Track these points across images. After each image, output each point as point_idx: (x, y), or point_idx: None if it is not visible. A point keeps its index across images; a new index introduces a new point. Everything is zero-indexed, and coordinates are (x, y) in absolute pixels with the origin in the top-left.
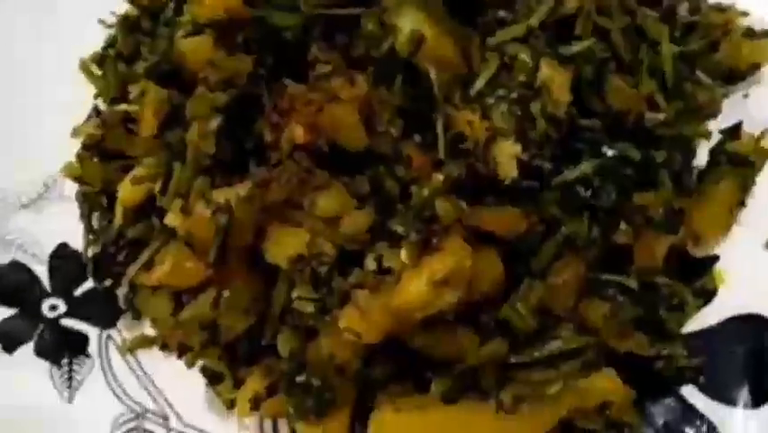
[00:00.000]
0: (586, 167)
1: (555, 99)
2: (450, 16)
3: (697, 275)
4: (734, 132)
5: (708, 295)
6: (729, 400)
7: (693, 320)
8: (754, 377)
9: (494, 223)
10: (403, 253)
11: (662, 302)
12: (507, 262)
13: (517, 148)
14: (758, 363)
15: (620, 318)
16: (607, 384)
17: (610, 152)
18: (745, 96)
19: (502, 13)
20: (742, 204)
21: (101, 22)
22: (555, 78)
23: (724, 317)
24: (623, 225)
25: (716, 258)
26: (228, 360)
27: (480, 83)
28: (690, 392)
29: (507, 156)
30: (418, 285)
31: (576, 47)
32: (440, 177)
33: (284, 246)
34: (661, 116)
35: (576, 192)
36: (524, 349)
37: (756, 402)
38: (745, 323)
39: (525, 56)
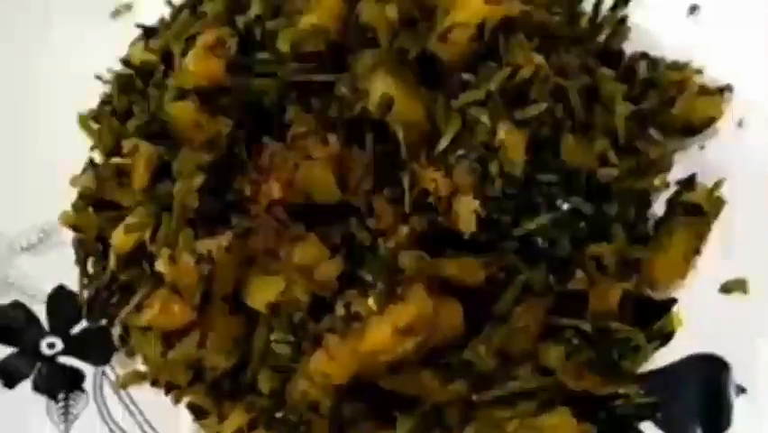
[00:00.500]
0: (542, 219)
1: (511, 159)
2: (417, 80)
3: (655, 318)
4: (689, 183)
5: (665, 337)
6: None
7: (652, 360)
8: (708, 413)
9: (455, 273)
10: (370, 301)
11: (617, 345)
12: (470, 307)
13: (476, 204)
14: (712, 400)
15: (575, 360)
16: (561, 422)
17: (565, 206)
18: (701, 147)
19: (466, 77)
20: (697, 251)
21: (98, 78)
22: (511, 140)
23: (681, 358)
24: (578, 274)
25: (673, 301)
26: (213, 396)
27: (443, 143)
28: (649, 428)
29: (466, 211)
30: (383, 332)
31: (531, 111)
32: (405, 230)
33: (262, 293)
34: (613, 172)
35: (534, 243)
36: (484, 389)
37: None
38: (701, 363)
39: (484, 118)
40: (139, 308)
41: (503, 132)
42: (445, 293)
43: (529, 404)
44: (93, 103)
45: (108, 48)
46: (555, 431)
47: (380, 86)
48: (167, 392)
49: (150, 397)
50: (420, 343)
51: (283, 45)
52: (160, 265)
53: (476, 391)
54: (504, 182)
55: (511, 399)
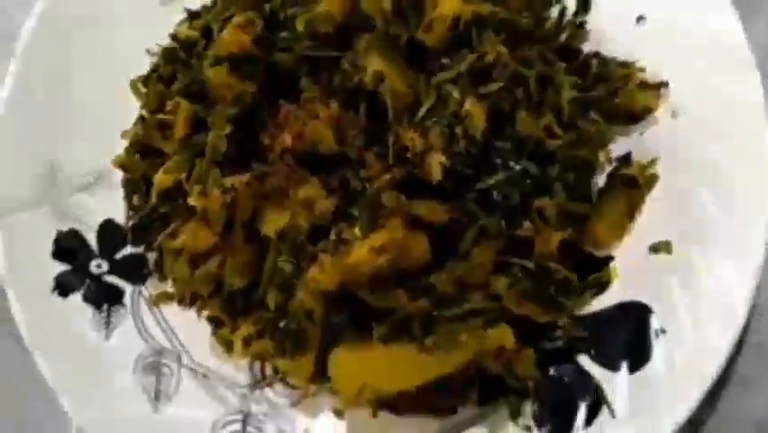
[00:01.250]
0: (498, 177)
1: (474, 125)
2: (405, 60)
3: (595, 270)
4: (626, 159)
5: (603, 286)
6: (613, 367)
7: (591, 305)
8: (633, 350)
9: (424, 212)
10: (356, 230)
11: (556, 284)
12: (437, 243)
13: (444, 158)
14: (636, 338)
15: (517, 289)
16: (501, 335)
17: (517, 167)
18: (641, 133)
19: (443, 60)
20: (632, 217)
21: (147, 51)
22: (474, 110)
23: (613, 303)
24: (526, 223)
25: (611, 258)
26: (228, 311)
27: (421, 111)
28: (584, 360)
29: (436, 164)
30: (363, 250)
31: (491, 87)
32: (387, 177)
33: (273, 222)
34: (557, 142)
35: (491, 195)
36: (444, 307)
37: (633, 369)
38: (629, 308)
39: (455, 93)
40: (173, 234)
41: (468, 103)
42: (416, 228)
43: (479, 321)
44: (142, 71)
45: (158, 27)
46: (497, 341)
47: (375, 63)
48: (191, 305)
49: (176, 313)
50: (391, 261)
51: (299, 26)
52: (193, 199)
53: (437, 309)
54: (467, 143)
55: (465, 317)
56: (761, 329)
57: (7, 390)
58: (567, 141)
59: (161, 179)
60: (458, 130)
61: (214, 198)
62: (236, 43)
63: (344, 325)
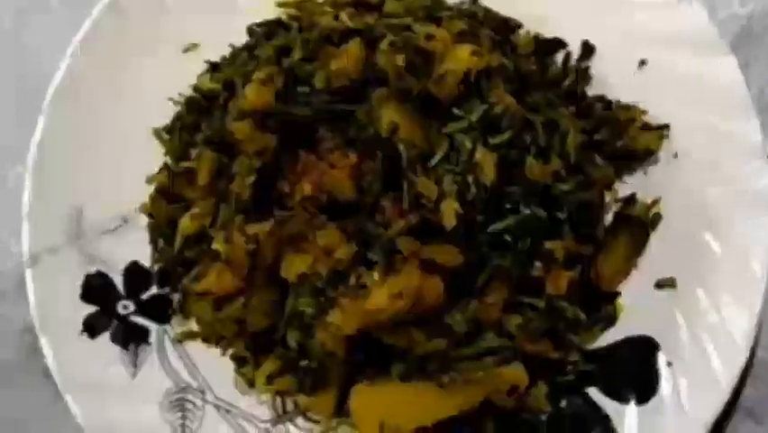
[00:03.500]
0: (509, 221)
1: (485, 173)
2: (417, 111)
3: (603, 305)
4: (631, 200)
5: (610, 321)
6: (622, 399)
7: (600, 340)
8: (640, 382)
9: (439, 256)
10: (374, 274)
11: (565, 322)
12: (451, 285)
13: (457, 205)
14: (644, 371)
15: (530, 328)
16: (514, 373)
17: (527, 211)
18: (645, 173)
19: (455, 110)
20: (637, 254)
21: (171, 100)
22: (485, 159)
23: (621, 338)
24: (536, 263)
25: (617, 294)
26: (251, 349)
27: (434, 159)
28: (594, 393)
29: (449, 210)
30: (382, 295)
31: (501, 137)
32: (403, 223)
33: (294, 266)
34: (565, 186)
35: (503, 238)
36: (459, 346)
37: (641, 401)
38: (637, 343)
39: (466, 142)
40: (198, 278)
41: (479, 153)
42: (432, 272)
43: (493, 359)
44: (165, 116)
45: (180, 74)
46: (510, 378)
47: (389, 114)
48: (216, 344)
49: (201, 351)
50: (409, 305)
51: (318, 82)
52: (217, 244)
53: (452, 348)
54: (478, 190)
55: (479, 355)
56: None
57: (39, 427)
58: (574, 185)
59: (186, 224)
60: (470, 178)
61: (237, 244)
62: (259, 100)
63: (364, 363)
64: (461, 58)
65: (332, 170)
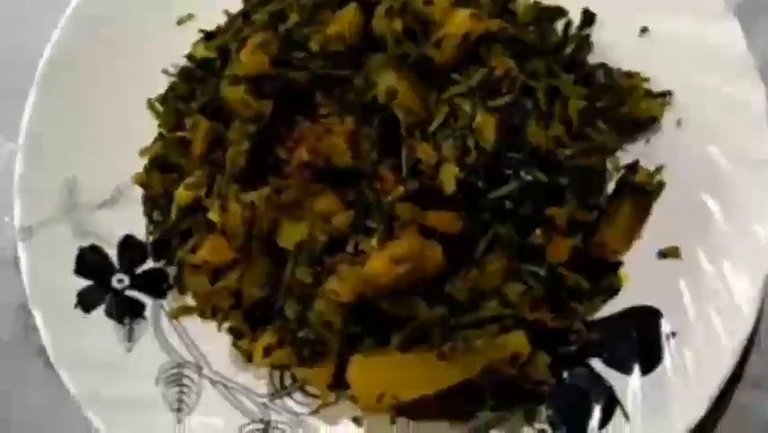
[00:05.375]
0: (510, 186)
1: (485, 137)
2: (416, 76)
3: (606, 275)
4: (634, 167)
5: (613, 291)
6: (625, 370)
7: (603, 311)
8: (644, 353)
9: (438, 222)
10: (373, 241)
11: (567, 290)
12: (451, 252)
13: (457, 170)
14: (648, 341)
15: (531, 295)
16: (516, 340)
17: (528, 177)
18: (647, 141)
19: (454, 75)
20: (640, 223)
21: (164, 71)
22: (485, 123)
23: (624, 308)
24: (537, 231)
25: (620, 263)
26: (248, 322)
27: (434, 125)
28: (597, 364)
29: (449, 176)
30: (381, 261)
31: (500, 101)
32: (401, 189)
33: (291, 235)
34: (566, 152)
35: (503, 204)
36: (459, 314)
37: (645, 372)
38: (640, 312)
39: (465, 106)
40: (193, 249)
41: (479, 116)
42: (431, 238)
43: (494, 327)
44: (158, 89)
45: (174, 47)
46: (512, 347)
47: (387, 80)
48: (212, 317)
49: (196, 325)
50: (408, 271)
51: (314, 46)
52: (212, 214)
53: (453, 316)
54: (478, 155)
55: (480, 323)
56: None
57: (35, 406)
58: (576, 150)
59: (181, 195)
60: (470, 142)
61: (233, 213)
62: (254, 64)
63: (362, 333)
64: (460, 22)
65: (329, 135)
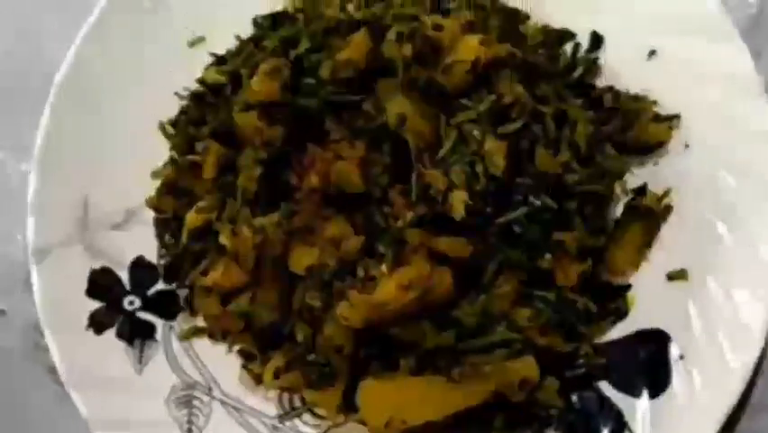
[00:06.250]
0: (519, 211)
1: (494, 164)
2: (425, 102)
3: (614, 298)
4: (642, 191)
5: (621, 314)
6: (634, 393)
7: (611, 334)
8: (652, 375)
9: (447, 248)
10: (382, 267)
11: (576, 314)
12: (460, 277)
13: (466, 196)
14: (656, 364)
15: (540, 321)
16: (524, 366)
17: (537, 202)
18: (655, 163)
19: (463, 101)
20: (648, 246)
21: (176, 94)
22: (494, 149)
23: (632, 331)
24: (546, 255)
25: (628, 286)
26: (258, 344)
27: (443, 151)
28: (605, 387)
29: (458, 201)
30: (390, 287)
31: (510, 127)
32: (411, 214)
33: (302, 259)
34: (574, 177)
35: (512, 229)
36: (468, 340)
37: (653, 395)
38: (648, 335)
39: (475, 133)
40: (205, 272)
41: (488, 143)
42: (440, 264)
43: (503, 352)
44: (171, 111)
45: (186, 69)
46: (521, 372)
47: (396, 105)
48: (222, 339)
49: (207, 347)
50: (418, 297)
51: (324, 72)
52: (223, 238)
53: (461, 341)
54: (487, 181)
55: (489, 348)
56: None
57: (44, 424)
58: (584, 175)
59: (192, 218)
60: (479, 168)
61: (244, 238)
62: (265, 91)
63: (372, 357)
64: (470, 48)
65: (339, 161)
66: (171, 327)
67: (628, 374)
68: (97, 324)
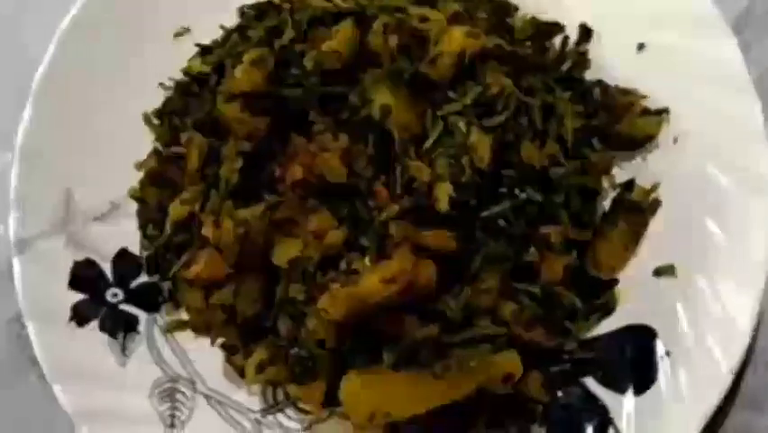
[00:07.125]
0: (504, 205)
1: (480, 156)
2: (410, 94)
3: (600, 294)
4: (630, 185)
5: (608, 309)
6: (619, 389)
7: (597, 329)
8: (638, 372)
9: (432, 241)
10: (366, 260)
11: (562, 309)
12: (445, 270)
13: (451, 188)
14: (642, 361)
15: (525, 315)
16: (508, 360)
17: (522, 195)
18: (644, 158)
19: (449, 93)
20: (636, 241)
21: (161, 85)
22: (480, 141)
23: (619, 326)
24: (531, 249)
25: (615, 282)
26: (241, 337)
27: (428, 142)
28: (590, 383)
29: (443, 194)
30: (373, 280)
31: (496, 120)
32: (395, 207)
33: (285, 252)
34: (560, 170)
35: (497, 223)
36: (452, 333)
37: (639, 391)
38: (635, 331)
39: (461, 125)
40: (187, 264)
41: (474, 135)
42: (424, 257)
43: (487, 346)
44: (155, 102)
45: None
46: (505, 366)
47: (381, 97)
48: (205, 332)
49: (190, 340)
50: (401, 290)
51: (309, 63)
52: (206, 230)
53: (446, 334)
54: (473, 174)
55: (473, 342)
56: None
57: (28, 417)
58: (571, 169)
59: (176, 210)
60: (464, 161)
61: (226, 229)
62: (249, 81)
63: (355, 351)
64: (456, 39)
65: (323, 153)
66: (155, 320)
67: (614, 370)
68: (80, 316)
